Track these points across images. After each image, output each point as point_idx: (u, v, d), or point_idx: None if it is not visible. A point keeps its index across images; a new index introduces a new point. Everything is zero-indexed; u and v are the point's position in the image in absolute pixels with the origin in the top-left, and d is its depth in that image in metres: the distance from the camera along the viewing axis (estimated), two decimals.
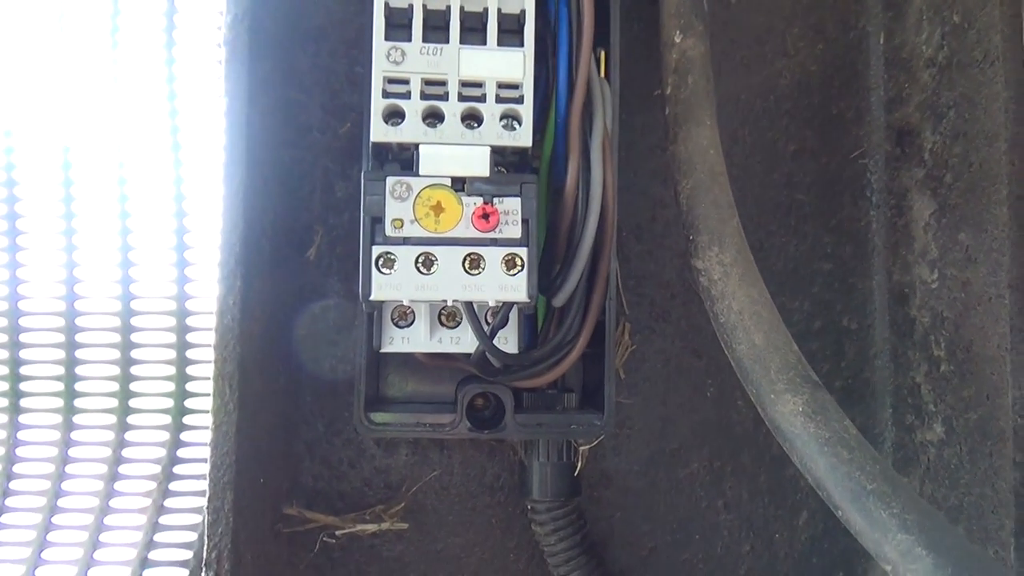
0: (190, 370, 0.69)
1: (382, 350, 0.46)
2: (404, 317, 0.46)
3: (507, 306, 0.42)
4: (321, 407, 0.55)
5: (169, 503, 0.67)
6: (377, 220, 0.40)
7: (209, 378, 0.45)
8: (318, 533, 0.55)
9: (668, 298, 0.59)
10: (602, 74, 0.47)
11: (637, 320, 0.58)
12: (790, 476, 0.59)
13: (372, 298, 0.40)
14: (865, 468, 0.35)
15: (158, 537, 0.66)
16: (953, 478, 0.53)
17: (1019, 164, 0.48)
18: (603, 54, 0.48)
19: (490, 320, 0.45)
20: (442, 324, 0.46)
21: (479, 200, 0.40)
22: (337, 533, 0.55)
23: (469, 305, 0.41)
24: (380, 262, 0.40)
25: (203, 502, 0.46)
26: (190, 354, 0.69)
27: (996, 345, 0.49)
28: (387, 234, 0.40)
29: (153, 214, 0.68)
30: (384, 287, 0.40)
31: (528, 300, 0.40)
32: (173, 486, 0.68)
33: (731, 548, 0.58)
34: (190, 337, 0.69)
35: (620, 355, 0.57)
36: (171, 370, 0.69)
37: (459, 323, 0.46)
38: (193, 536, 0.66)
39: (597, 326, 0.48)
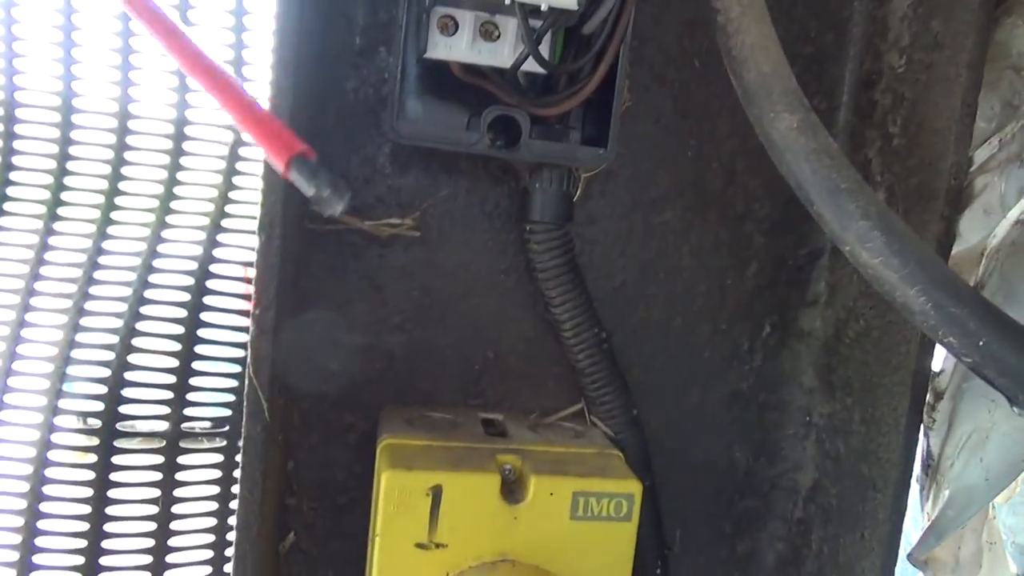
0: None
1: (427, 55, 0.50)
2: (447, 28, 0.51)
3: (554, 13, 0.46)
4: (343, 122, 0.60)
5: None
6: None
7: None
8: (339, 234, 0.61)
9: (665, 62, 0.64)
10: None
11: (635, 79, 0.64)
12: (746, 233, 0.68)
13: None
14: (842, 172, 0.43)
15: None
16: None
17: None
18: None
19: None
20: (483, 38, 0.51)
21: None
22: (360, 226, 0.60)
23: (523, 6, 0.45)
24: None
25: None
26: None
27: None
28: None
29: None
30: None
31: (576, 7, 0.45)
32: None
33: (689, 288, 0.67)
34: None
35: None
36: None
37: (497, 39, 0.51)
38: None
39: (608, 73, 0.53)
